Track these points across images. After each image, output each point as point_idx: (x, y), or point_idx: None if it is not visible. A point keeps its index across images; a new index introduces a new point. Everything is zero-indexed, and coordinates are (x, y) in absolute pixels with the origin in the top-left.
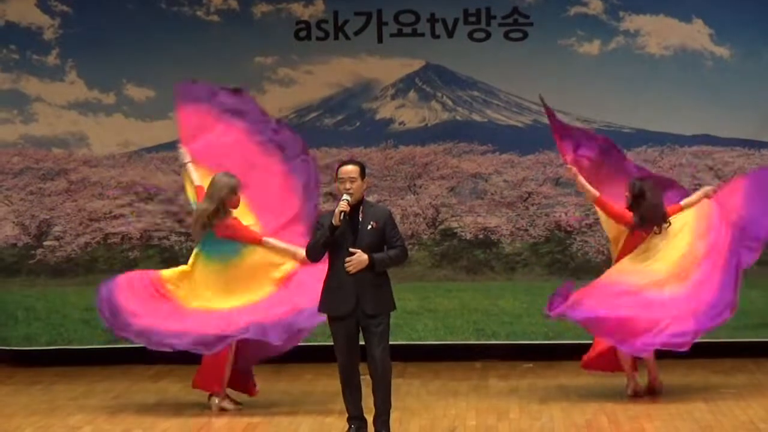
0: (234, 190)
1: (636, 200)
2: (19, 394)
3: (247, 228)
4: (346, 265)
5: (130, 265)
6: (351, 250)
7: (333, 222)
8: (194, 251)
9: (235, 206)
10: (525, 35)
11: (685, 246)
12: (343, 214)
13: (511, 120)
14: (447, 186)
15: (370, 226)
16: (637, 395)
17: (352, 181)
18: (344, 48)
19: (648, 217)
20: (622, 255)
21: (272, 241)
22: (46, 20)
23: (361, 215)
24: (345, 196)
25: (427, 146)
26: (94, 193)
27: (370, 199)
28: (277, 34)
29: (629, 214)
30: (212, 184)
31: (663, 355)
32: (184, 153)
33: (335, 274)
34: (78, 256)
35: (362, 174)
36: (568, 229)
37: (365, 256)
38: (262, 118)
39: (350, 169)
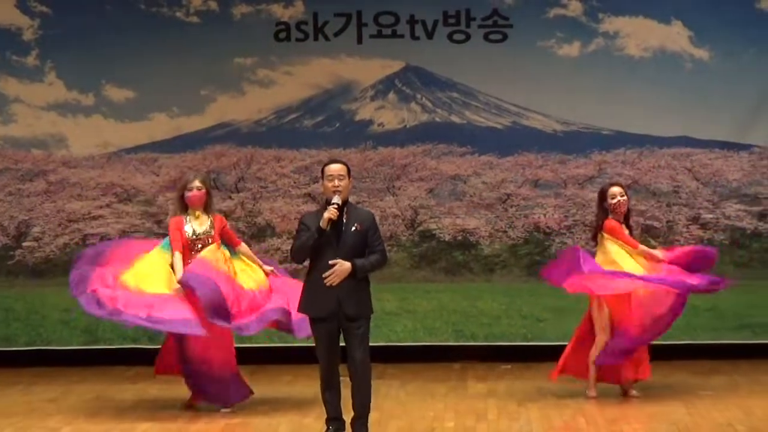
0: (185, 185)
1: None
2: None
3: (176, 234)
4: (326, 278)
5: None
6: (331, 262)
7: (321, 226)
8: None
9: (193, 204)
10: (504, 37)
11: None
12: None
13: (490, 122)
14: (426, 187)
15: (354, 228)
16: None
17: (341, 179)
18: (324, 49)
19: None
20: None
21: (176, 260)
22: (26, 21)
23: (345, 217)
24: (335, 200)
25: (406, 148)
26: (72, 194)
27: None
28: (256, 35)
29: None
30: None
31: None
32: None
33: (317, 274)
34: (57, 257)
35: (348, 173)
36: (547, 230)
37: (347, 265)
38: None
39: (339, 167)
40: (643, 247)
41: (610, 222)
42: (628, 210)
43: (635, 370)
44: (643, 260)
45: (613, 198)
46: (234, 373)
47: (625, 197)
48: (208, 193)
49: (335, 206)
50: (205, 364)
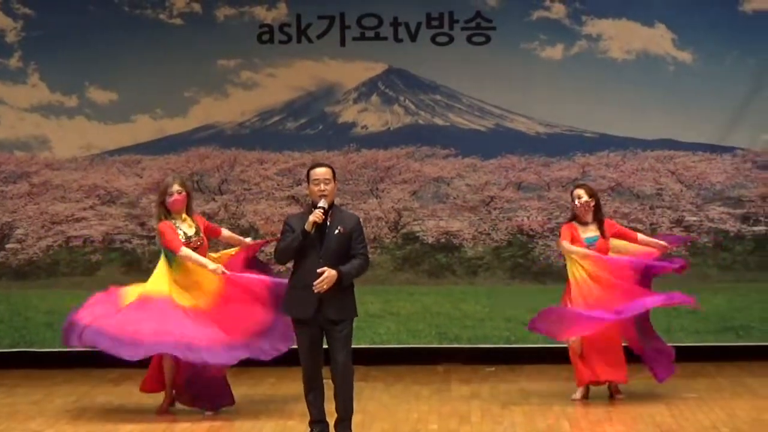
0: (165, 190)
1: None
2: None
3: (174, 234)
4: (314, 287)
5: (92, 269)
6: (319, 270)
7: (306, 229)
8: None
9: (176, 208)
10: (488, 39)
11: None
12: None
13: (474, 124)
14: (409, 190)
15: (337, 231)
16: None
17: (326, 183)
18: (307, 51)
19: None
20: None
21: (187, 252)
22: (9, 23)
23: (329, 220)
24: (321, 204)
25: (390, 150)
26: (56, 196)
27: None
28: (240, 38)
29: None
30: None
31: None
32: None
33: (300, 276)
34: (40, 259)
35: (334, 176)
36: (530, 233)
37: (333, 272)
38: None
39: (324, 171)
40: (581, 251)
41: (564, 225)
42: (598, 210)
43: (612, 373)
44: (588, 264)
45: (573, 200)
46: (224, 376)
47: (585, 198)
48: (189, 195)
49: (321, 210)
50: (200, 367)
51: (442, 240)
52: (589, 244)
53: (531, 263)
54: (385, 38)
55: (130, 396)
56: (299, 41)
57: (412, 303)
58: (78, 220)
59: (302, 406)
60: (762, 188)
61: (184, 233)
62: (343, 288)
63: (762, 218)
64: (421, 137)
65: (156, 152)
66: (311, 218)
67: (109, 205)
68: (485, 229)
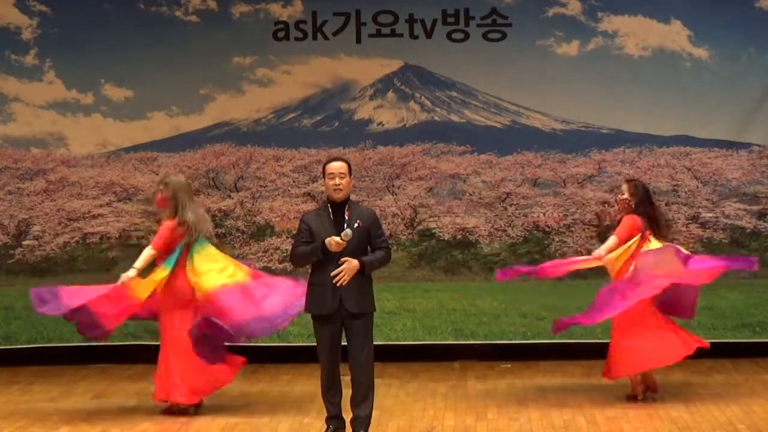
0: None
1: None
2: None
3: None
4: (334, 277)
5: (109, 265)
6: (341, 261)
7: (330, 249)
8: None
9: (160, 205)
10: (503, 36)
11: None
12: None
13: (490, 121)
14: (425, 186)
15: (355, 226)
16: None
17: (341, 177)
18: (323, 48)
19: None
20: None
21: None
22: (25, 20)
23: (346, 215)
24: (347, 231)
25: (406, 147)
26: (72, 192)
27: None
28: (255, 35)
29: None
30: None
31: None
32: None
33: (319, 273)
34: (57, 255)
35: (350, 171)
36: (546, 229)
37: (355, 263)
38: None
39: (339, 165)
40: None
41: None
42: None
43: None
44: None
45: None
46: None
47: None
48: None
49: (347, 238)
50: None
51: (458, 236)
52: None
53: (547, 259)
54: (401, 35)
55: (147, 392)
56: (315, 38)
57: (428, 300)
58: (94, 216)
59: (318, 403)
60: None
61: None
62: (363, 281)
63: None
64: (437, 134)
65: (172, 149)
66: (335, 240)
67: (126, 201)
68: (501, 226)
